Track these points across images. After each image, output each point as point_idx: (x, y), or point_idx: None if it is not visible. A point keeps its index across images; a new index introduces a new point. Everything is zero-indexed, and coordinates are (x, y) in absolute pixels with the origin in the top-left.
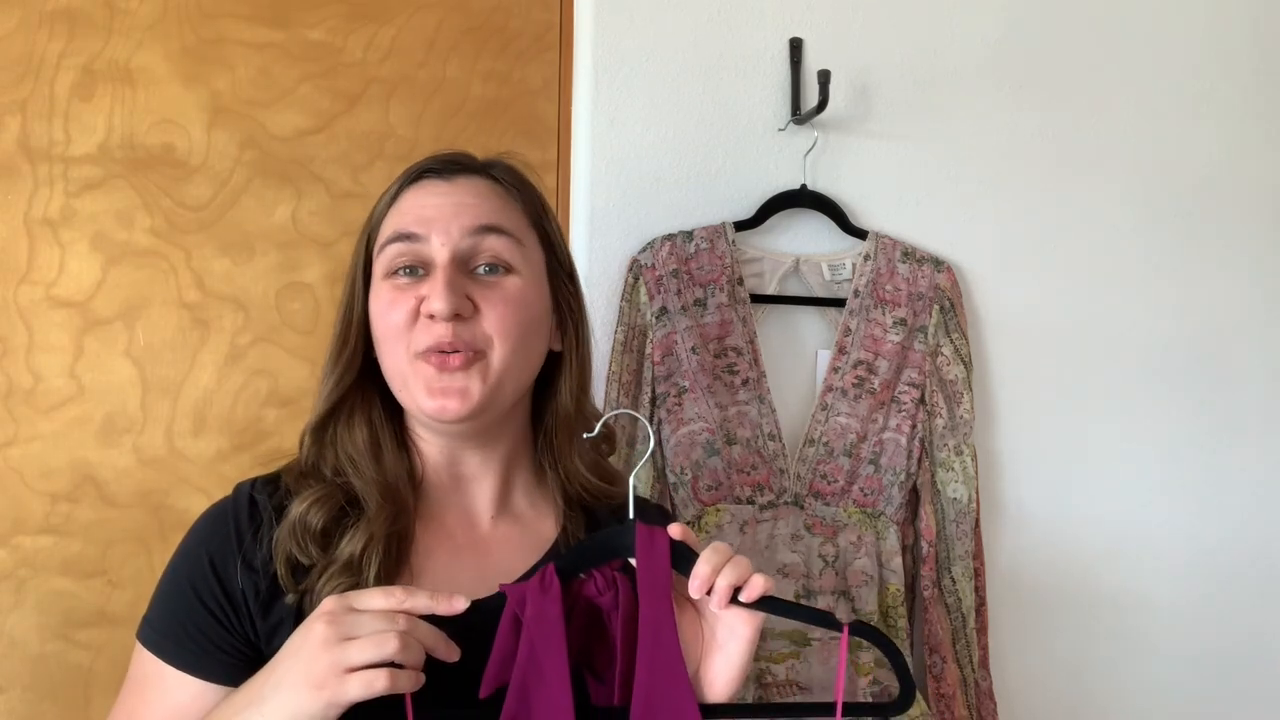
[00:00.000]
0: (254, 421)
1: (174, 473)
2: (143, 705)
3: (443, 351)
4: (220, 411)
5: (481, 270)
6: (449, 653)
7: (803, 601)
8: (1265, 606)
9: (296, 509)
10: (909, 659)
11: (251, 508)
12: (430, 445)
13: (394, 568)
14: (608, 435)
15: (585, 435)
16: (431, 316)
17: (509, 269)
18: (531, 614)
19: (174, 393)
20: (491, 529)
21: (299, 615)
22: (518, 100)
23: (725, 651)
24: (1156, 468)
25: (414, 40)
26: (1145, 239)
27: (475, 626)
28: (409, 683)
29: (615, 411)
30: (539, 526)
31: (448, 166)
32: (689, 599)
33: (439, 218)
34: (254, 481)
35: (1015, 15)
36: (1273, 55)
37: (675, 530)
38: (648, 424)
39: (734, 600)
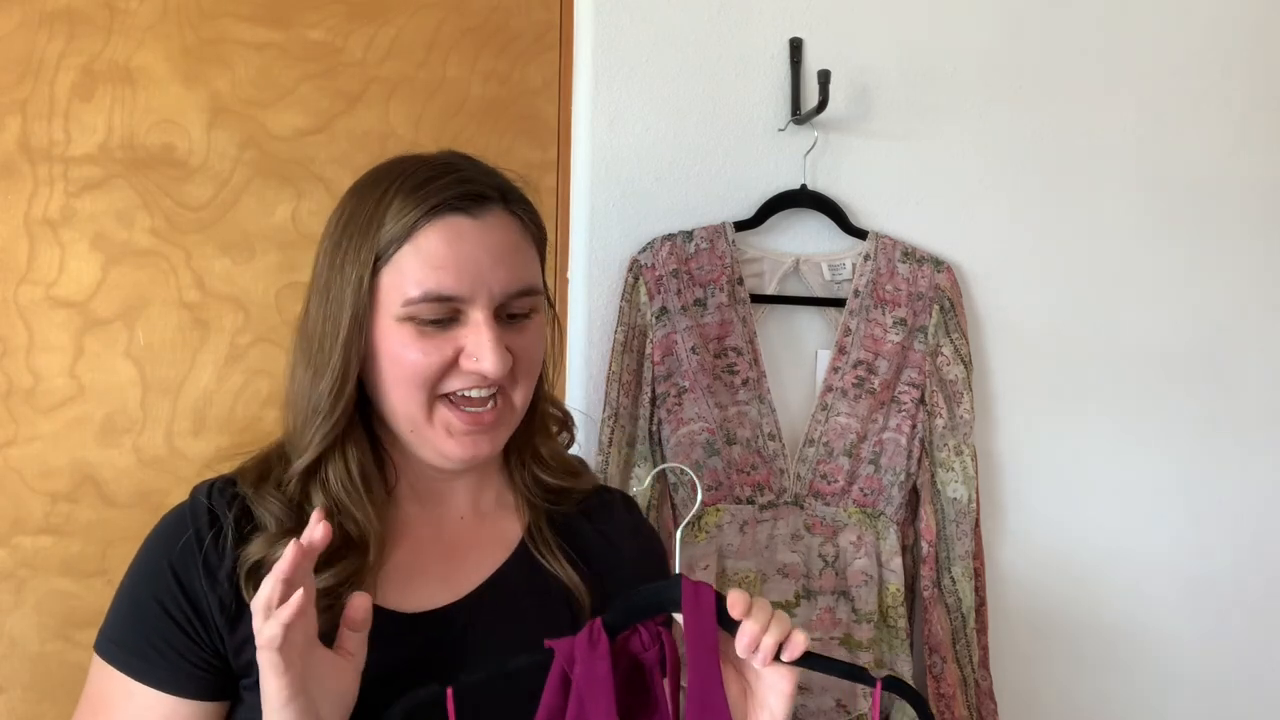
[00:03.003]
0: (254, 421)
1: (174, 473)
2: None
3: (476, 398)
4: (220, 411)
5: (507, 315)
6: (311, 533)
7: (802, 601)
8: (1263, 607)
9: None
10: (909, 660)
11: (211, 516)
12: (412, 464)
13: (367, 582)
14: (565, 423)
15: (637, 489)
16: (477, 373)
17: (533, 311)
18: (581, 672)
19: (174, 393)
20: (459, 528)
21: None
22: (518, 100)
23: (769, 708)
24: (1156, 467)
25: (414, 40)
26: (1145, 239)
27: (439, 636)
28: (276, 604)
29: (664, 466)
30: (505, 525)
31: (473, 201)
32: (729, 657)
33: (478, 274)
34: (210, 486)
35: (1015, 15)
36: (1273, 55)
37: (737, 608)
38: (696, 478)
39: (775, 657)
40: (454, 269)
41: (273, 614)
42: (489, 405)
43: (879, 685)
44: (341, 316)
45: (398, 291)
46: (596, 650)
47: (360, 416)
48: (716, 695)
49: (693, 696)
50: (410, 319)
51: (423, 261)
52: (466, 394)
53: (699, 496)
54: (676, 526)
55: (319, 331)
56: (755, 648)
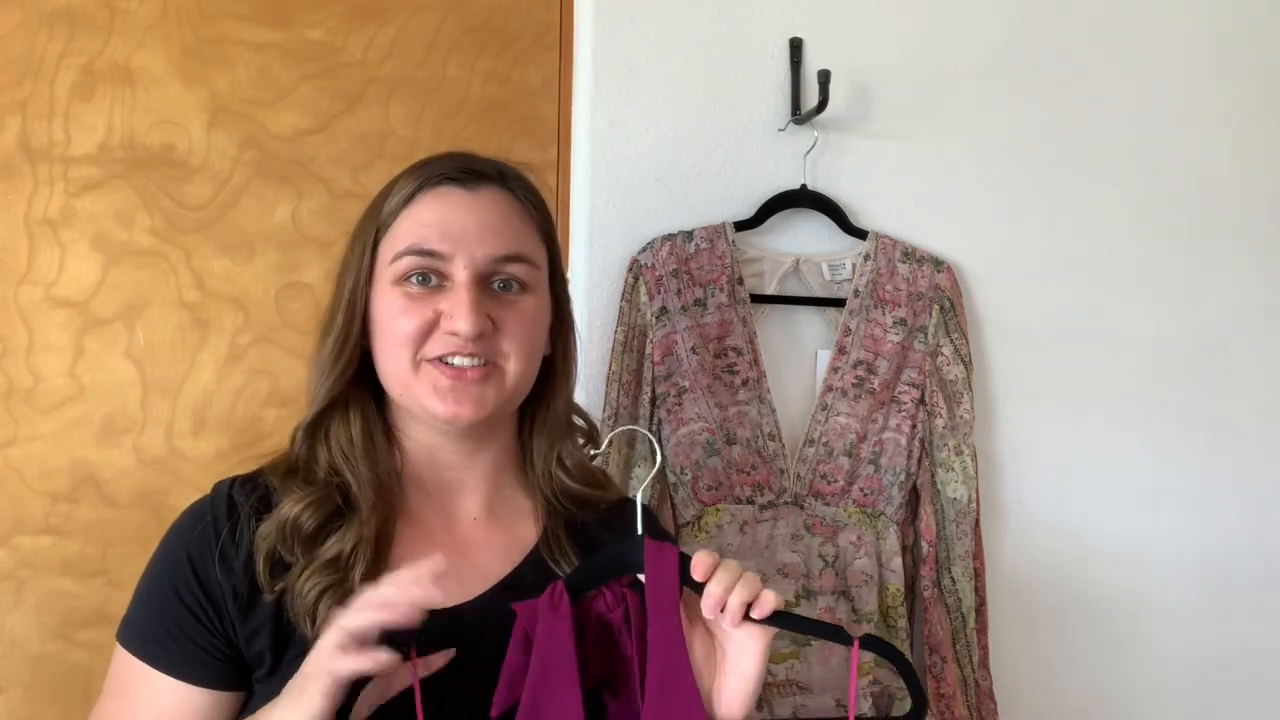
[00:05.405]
0: (254, 421)
1: (174, 473)
2: (129, 710)
3: (458, 365)
4: (220, 411)
5: (497, 286)
6: (427, 595)
7: (802, 601)
8: (1263, 608)
9: (289, 509)
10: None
11: (230, 507)
12: (416, 443)
13: (376, 569)
14: (591, 436)
15: (593, 454)
16: (453, 333)
17: (524, 287)
18: (542, 632)
19: (174, 393)
20: (472, 529)
21: (278, 615)
22: (518, 100)
23: (739, 669)
24: (1156, 468)
25: (414, 40)
26: (1145, 239)
27: (465, 632)
28: (353, 661)
29: (622, 429)
30: (520, 528)
31: (469, 175)
32: (699, 617)
33: (463, 237)
34: (233, 481)
35: (1015, 15)
36: (1273, 55)
37: (699, 569)
38: (654, 439)
39: (745, 617)
40: (438, 228)
41: (358, 653)
42: (473, 366)
43: (856, 644)
44: (346, 283)
45: (390, 253)
46: (558, 611)
47: (375, 398)
48: (679, 656)
49: (654, 656)
50: (399, 281)
51: (413, 223)
52: (449, 360)
53: (658, 458)
54: (676, 526)
55: (332, 303)
56: (721, 608)
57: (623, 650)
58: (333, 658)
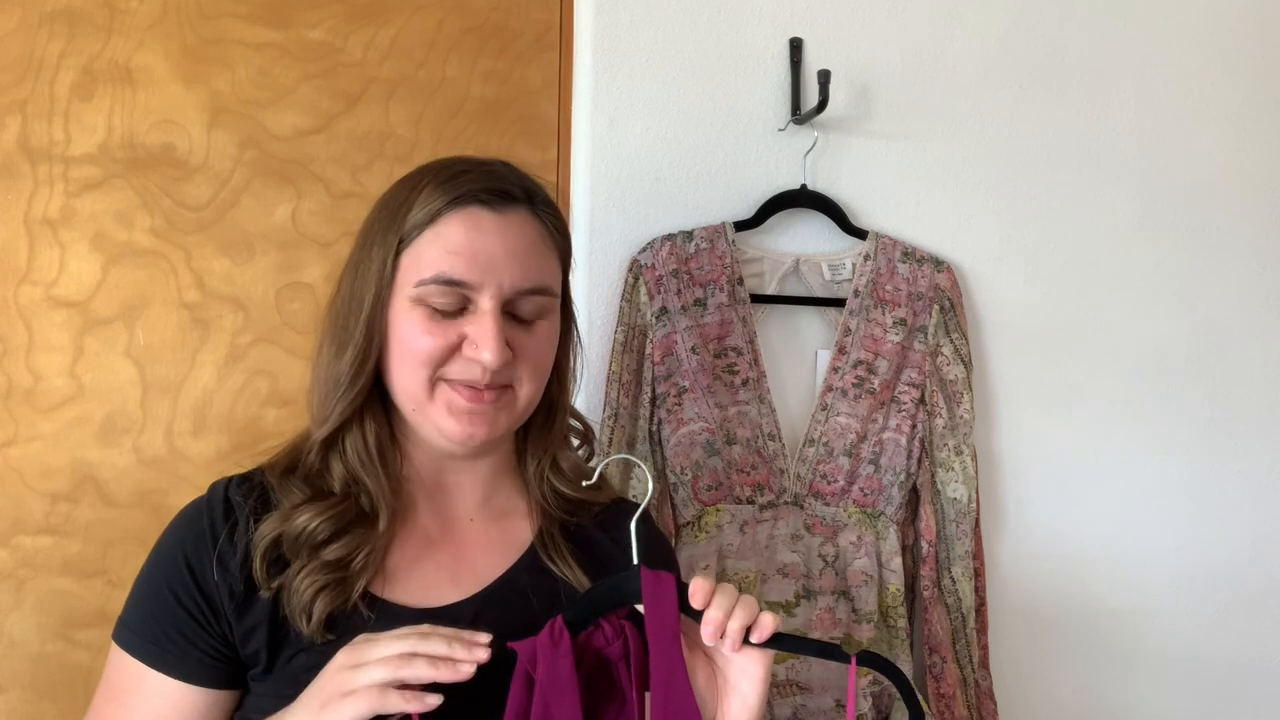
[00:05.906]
0: (254, 421)
1: (174, 473)
2: (125, 711)
3: (476, 387)
4: (220, 411)
5: (519, 314)
6: (453, 671)
7: (802, 601)
8: (1263, 606)
9: (303, 521)
10: (909, 660)
11: (226, 507)
12: (418, 448)
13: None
14: (586, 436)
15: (586, 484)
16: (477, 361)
17: (542, 313)
18: (544, 671)
19: (174, 393)
20: (468, 530)
21: (274, 613)
22: (518, 100)
23: (740, 693)
24: (1156, 466)
25: (414, 40)
26: (1145, 238)
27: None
28: (404, 702)
29: (614, 457)
30: (516, 528)
31: (498, 197)
32: (698, 644)
33: (490, 265)
34: (229, 481)
35: (1015, 15)
36: (1273, 55)
37: (698, 598)
38: (647, 471)
39: (745, 641)
40: (467, 256)
41: (411, 695)
42: (490, 388)
43: (854, 661)
44: (365, 295)
45: (414, 272)
46: (559, 649)
47: (382, 402)
48: (681, 685)
49: (657, 687)
50: (421, 301)
51: (440, 246)
52: (466, 383)
53: (650, 487)
54: (676, 526)
55: (345, 310)
56: (721, 634)
57: (619, 685)
58: (384, 692)
